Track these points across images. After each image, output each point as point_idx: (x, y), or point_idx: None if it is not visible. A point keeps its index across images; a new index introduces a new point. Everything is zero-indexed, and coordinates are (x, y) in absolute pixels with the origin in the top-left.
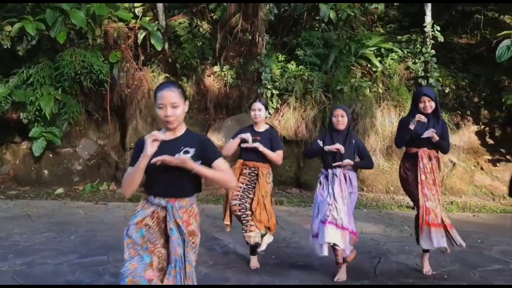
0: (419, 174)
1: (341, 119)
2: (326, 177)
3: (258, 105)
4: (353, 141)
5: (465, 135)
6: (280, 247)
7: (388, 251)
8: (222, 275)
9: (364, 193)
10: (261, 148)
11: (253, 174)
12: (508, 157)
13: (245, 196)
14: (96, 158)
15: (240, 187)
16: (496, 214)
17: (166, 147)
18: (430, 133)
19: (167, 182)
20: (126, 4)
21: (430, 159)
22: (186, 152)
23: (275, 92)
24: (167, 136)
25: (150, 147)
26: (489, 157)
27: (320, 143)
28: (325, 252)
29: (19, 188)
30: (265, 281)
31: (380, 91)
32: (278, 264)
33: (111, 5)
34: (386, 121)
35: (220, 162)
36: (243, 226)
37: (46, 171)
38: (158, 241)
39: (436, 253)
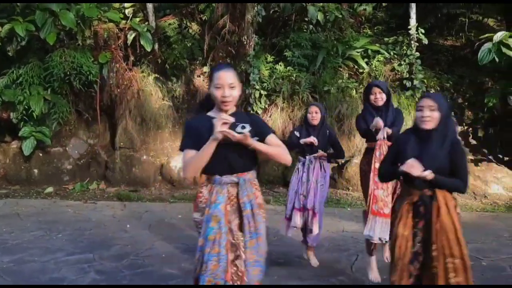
0: (373, 163)
1: (315, 115)
2: (303, 163)
3: None
4: (327, 133)
5: None
6: None
7: None
8: None
9: (350, 192)
10: None
11: None
12: (490, 157)
13: None
14: (86, 157)
15: None
16: (475, 212)
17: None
18: (382, 135)
19: (232, 158)
20: (117, 5)
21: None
22: (243, 127)
23: (263, 92)
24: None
25: (219, 128)
26: (472, 157)
27: (297, 133)
28: (290, 233)
29: (9, 187)
30: None
31: None
32: None
33: (100, 6)
34: None
35: (272, 137)
36: None
37: (36, 170)
38: (234, 223)
39: None
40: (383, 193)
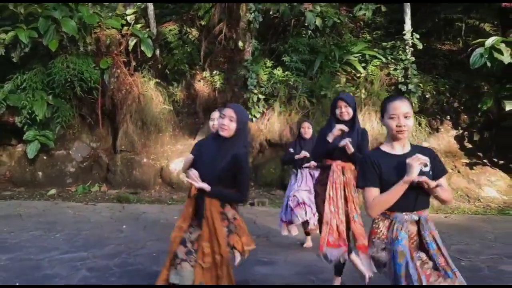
0: (328, 189)
1: (307, 130)
2: (296, 175)
3: (216, 114)
4: None
5: (444, 139)
6: None
7: None
8: None
9: None
10: None
11: None
12: (484, 160)
13: None
14: (88, 160)
15: None
16: (467, 215)
17: (402, 163)
18: (344, 142)
19: (413, 196)
20: (119, 12)
21: (344, 173)
22: (426, 165)
23: (261, 97)
24: (397, 151)
25: (416, 172)
26: (467, 161)
27: (291, 150)
28: (285, 233)
29: (14, 189)
30: None
31: (363, 96)
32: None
33: (102, 13)
34: (367, 126)
35: (444, 180)
36: None
37: (40, 173)
38: (417, 256)
39: None
40: (337, 222)
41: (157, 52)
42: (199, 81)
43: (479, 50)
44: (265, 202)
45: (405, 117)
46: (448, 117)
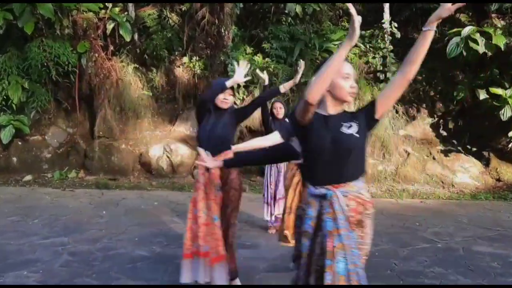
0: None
1: (279, 110)
2: None
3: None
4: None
5: (420, 127)
6: None
7: None
8: (173, 253)
9: None
10: None
11: None
12: (459, 147)
13: None
14: (65, 146)
15: None
16: (441, 200)
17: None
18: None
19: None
20: None
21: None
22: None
23: (242, 83)
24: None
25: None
26: (442, 148)
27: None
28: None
29: None
30: None
31: None
32: None
33: None
34: None
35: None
36: None
37: (15, 159)
38: None
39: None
40: None
41: (136, 36)
42: (179, 66)
43: (456, 39)
44: (245, 188)
45: (356, 81)
46: (424, 105)
